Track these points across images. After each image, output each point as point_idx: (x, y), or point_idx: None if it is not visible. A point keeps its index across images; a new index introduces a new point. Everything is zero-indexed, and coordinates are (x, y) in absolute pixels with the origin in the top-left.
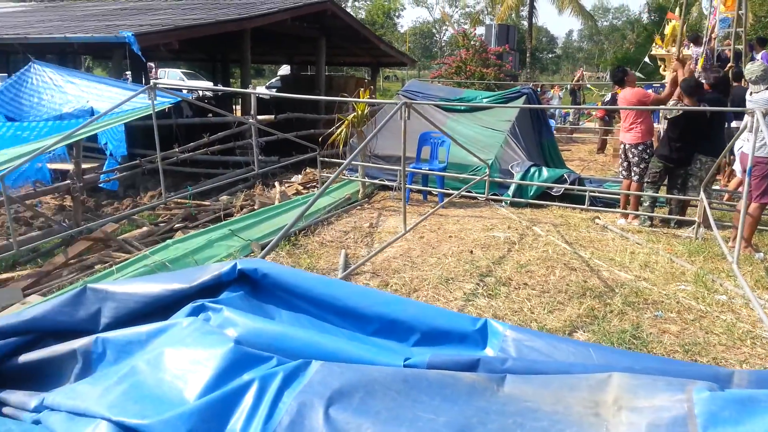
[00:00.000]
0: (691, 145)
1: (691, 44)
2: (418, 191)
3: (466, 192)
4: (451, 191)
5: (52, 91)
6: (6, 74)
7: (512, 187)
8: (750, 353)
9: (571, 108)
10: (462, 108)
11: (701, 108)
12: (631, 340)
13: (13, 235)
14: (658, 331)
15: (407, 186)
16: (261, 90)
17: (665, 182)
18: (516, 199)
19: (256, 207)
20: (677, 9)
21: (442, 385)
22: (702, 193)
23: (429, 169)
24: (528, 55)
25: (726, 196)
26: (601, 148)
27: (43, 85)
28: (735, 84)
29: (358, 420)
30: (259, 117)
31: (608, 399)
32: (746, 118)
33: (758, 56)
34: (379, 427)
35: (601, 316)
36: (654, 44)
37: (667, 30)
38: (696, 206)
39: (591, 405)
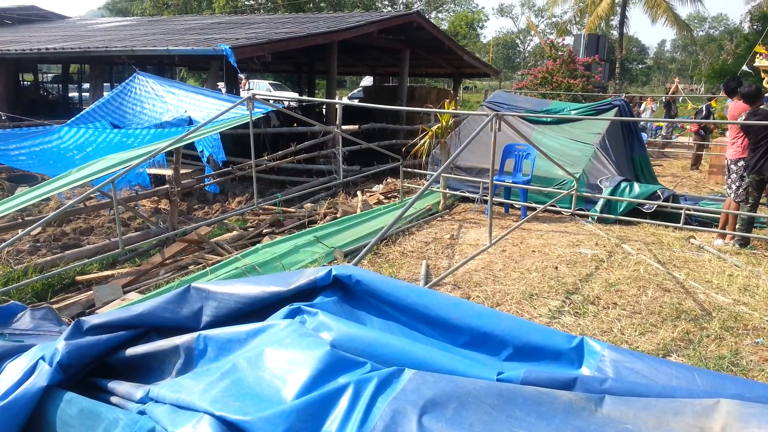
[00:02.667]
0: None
1: None
2: (500, 204)
3: (551, 206)
4: (534, 205)
5: (153, 101)
6: (108, 83)
7: (600, 203)
8: None
9: (663, 121)
10: (548, 120)
11: None
12: (729, 367)
13: (119, 235)
14: (759, 358)
15: (493, 199)
16: (344, 101)
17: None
18: (604, 215)
19: (338, 215)
20: None
21: (537, 402)
22: None
23: (512, 182)
24: (617, 65)
25: None
26: (696, 163)
27: (146, 95)
28: None
29: (451, 431)
30: (343, 127)
31: (715, 426)
32: None
33: None
34: None
35: (697, 340)
36: (757, 55)
37: None
38: None
39: (696, 431)
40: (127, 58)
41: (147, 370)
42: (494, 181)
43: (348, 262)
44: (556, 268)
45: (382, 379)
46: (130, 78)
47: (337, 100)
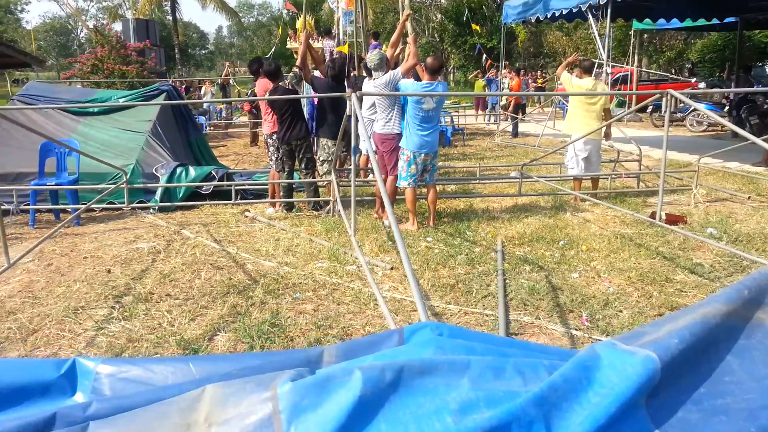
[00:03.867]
0: (291, 123)
1: (325, 37)
2: (48, 211)
3: (108, 203)
4: (94, 206)
5: None
6: None
7: (159, 191)
8: (373, 314)
9: (221, 101)
10: (96, 110)
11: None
12: (270, 330)
13: None
14: (295, 313)
15: (32, 207)
16: None
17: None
18: (164, 204)
19: None
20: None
21: None
22: (333, 173)
23: (56, 184)
24: (177, 51)
25: (362, 173)
26: (254, 140)
27: None
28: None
29: None
30: None
31: (200, 418)
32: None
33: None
34: None
35: (244, 311)
36: (288, 38)
37: (299, 24)
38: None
39: (183, 430)
40: None
41: None
42: (31, 187)
43: None
44: (109, 271)
45: None
46: None
47: None
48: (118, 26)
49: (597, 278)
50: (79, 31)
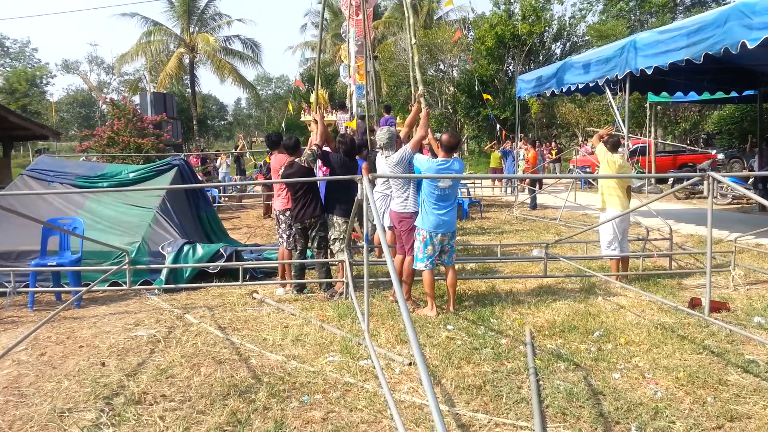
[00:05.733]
0: (306, 201)
1: (339, 111)
2: (52, 292)
3: (113, 283)
4: (96, 288)
5: None
6: None
7: (164, 272)
8: (390, 424)
9: (236, 184)
10: (105, 185)
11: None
12: None
13: None
14: (302, 422)
15: (31, 289)
16: None
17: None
18: (169, 286)
19: None
20: (318, 80)
21: None
22: (346, 252)
23: (58, 264)
24: (195, 123)
25: (377, 251)
26: (267, 212)
27: None
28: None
29: None
30: None
31: None
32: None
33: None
34: None
35: (244, 419)
36: (303, 111)
37: (313, 98)
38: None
39: None
40: None
41: None
42: (31, 268)
43: None
44: (104, 364)
45: None
46: None
47: None
48: (137, 99)
49: (641, 379)
50: (100, 103)
